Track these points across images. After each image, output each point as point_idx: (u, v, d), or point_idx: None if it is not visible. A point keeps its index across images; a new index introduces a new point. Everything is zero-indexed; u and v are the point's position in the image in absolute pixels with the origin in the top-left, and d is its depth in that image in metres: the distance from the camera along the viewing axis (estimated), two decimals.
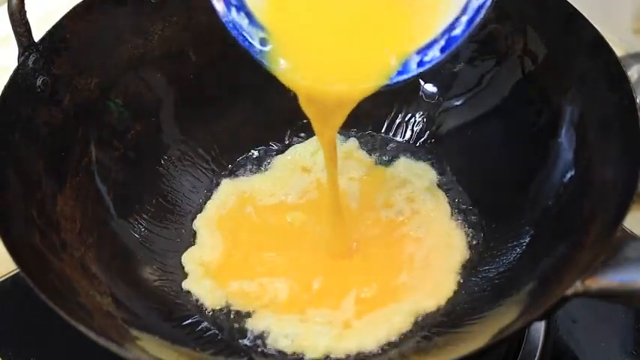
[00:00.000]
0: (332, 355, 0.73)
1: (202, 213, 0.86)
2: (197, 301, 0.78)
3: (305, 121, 0.90)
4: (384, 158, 0.90)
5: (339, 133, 0.89)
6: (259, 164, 0.90)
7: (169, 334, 0.72)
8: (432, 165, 0.88)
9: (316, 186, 0.87)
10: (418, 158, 0.89)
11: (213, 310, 0.77)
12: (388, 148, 0.91)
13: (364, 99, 0.92)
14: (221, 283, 0.79)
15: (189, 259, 0.81)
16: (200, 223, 0.85)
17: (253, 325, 0.76)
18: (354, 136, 0.92)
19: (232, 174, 0.90)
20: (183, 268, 0.81)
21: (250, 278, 0.79)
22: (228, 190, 0.87)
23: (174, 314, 0.77)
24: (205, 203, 0.87)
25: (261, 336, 0.75)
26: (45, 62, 0.77)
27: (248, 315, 0.77)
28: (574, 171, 0.74)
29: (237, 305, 0.77)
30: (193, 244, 0.83)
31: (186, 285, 0.79)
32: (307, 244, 0.82)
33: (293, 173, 0.88)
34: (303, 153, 0.90)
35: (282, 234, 0.83)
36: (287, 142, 0.92)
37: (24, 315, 0.81)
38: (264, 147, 0.92)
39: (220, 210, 0.86)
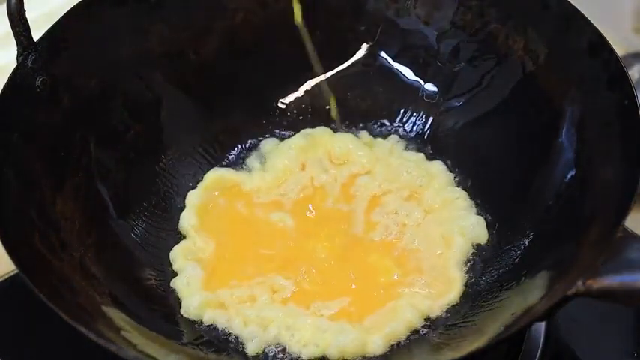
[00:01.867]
0: (337, 353, 0.72)
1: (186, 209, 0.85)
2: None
3: (301, 118, 0.92)
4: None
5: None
6: (257, 161, 0.90)
7: (169, 334, 0.72)
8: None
9: (310, 184, 0.87)
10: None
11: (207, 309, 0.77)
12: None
13: (364, 99, 0.93)
14: (212, 281, 0.79)
15: (177, 255, 0.81)
16: (186, 220, 0.84)
17: (250, 323, 0.75)
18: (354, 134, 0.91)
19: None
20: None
21: (243, 275, 0.79)
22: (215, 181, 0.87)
23: (174, 314, 0.77)
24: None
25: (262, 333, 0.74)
26: (44, 62, 0.77)
27: (245, 311, 0.76)
28: (574, 171, 0.74)
29: (232, 302, 0.77)
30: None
31: (174, 284, 0.79)
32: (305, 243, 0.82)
33: (289, 172, 0.88)
34: (295, 147, 0.89)
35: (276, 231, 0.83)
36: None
37: (24, 315, 0.80)
38: (263, 145, 0.91)
39: (207, 204, 0.85)
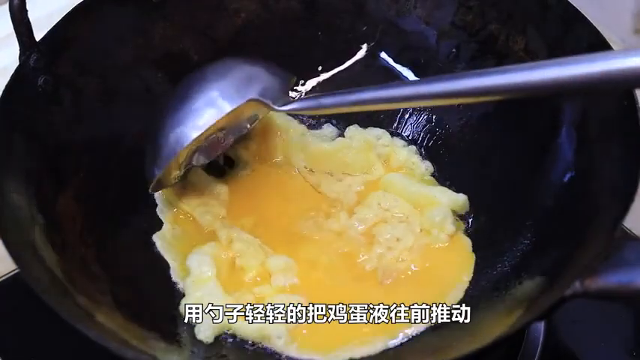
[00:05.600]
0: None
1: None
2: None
3: (301, 117, 0.92)
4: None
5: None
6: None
7: (169, 333, 0.72)
8: (432, 165, 0.88)
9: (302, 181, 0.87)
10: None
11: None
12: None
13: None
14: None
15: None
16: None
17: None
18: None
19: None
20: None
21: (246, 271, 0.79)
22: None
23: (176, 314, 0.77)
24: None
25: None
26: (46, 62, 0.77)
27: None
28: (574, 171, 0.74)
29: (231, 299, 0.76)
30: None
31: (174, 277, 0.79)
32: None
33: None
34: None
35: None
36: None
37: (24, 315, 0.81)
38: None
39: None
